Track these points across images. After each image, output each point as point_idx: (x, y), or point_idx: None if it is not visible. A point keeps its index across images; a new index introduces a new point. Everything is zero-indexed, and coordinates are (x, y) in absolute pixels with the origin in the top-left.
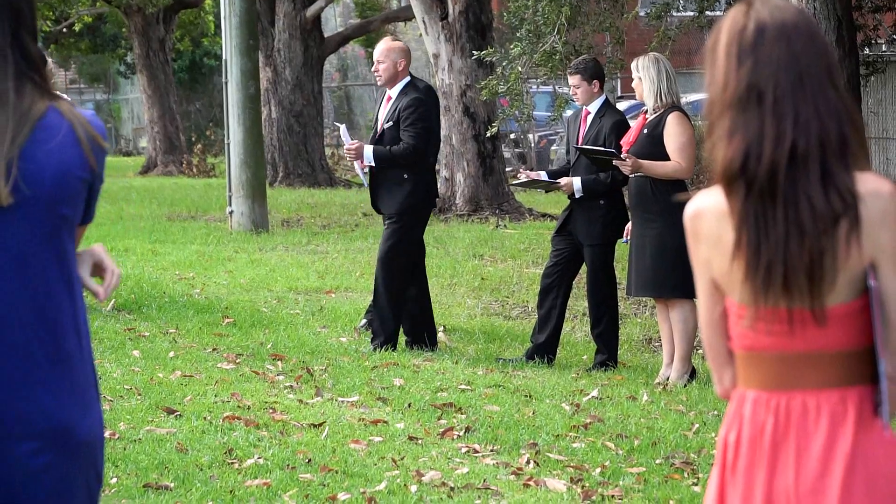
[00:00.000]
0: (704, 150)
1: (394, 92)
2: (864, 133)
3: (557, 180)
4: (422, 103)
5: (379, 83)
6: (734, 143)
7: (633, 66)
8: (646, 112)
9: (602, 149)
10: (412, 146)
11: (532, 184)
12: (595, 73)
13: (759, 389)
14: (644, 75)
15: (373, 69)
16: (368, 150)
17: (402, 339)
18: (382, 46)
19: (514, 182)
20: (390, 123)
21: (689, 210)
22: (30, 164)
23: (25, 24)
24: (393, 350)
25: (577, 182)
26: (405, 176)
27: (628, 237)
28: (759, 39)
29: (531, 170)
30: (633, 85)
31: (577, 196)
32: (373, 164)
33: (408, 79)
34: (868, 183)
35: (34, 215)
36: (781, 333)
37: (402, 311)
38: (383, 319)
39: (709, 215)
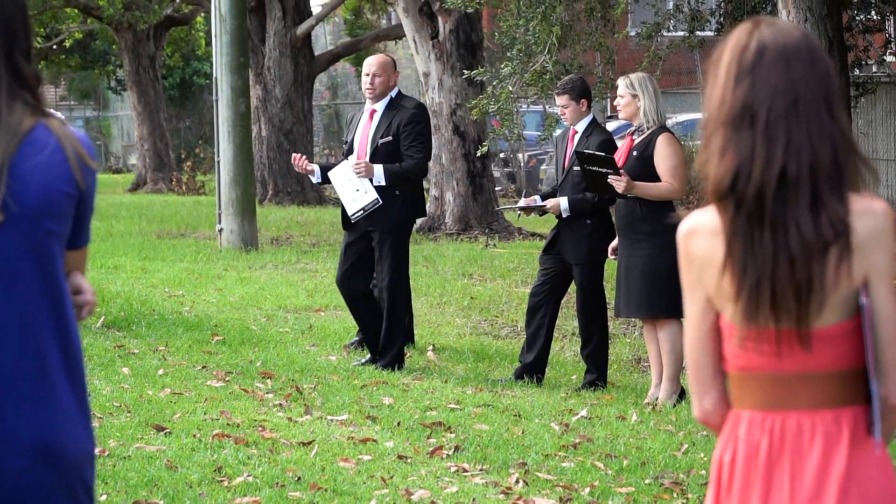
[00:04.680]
0: (697, 162)
1: (379, 106)
2: (864, 158)
3: (544, 203)
4: (422, 118)
5: (370, 96)
6: (725, 161)
7: (624, 83)
8: (632, 133)
9: (601, 154)
10: (422, 160)
11: (521, 209)
12: (582, 92)
13: (753, 410)
14: (642, 92)
15: (367, 82)
16: (379, 169)
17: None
18: (378, 60)
19: (503, 207)
20: (389, 139)
21: (683, 228)
22: (16, 178)
23: (19, 44)
24: (399, 368)
25: (563, 202)
26: (397, 193)
27: (615, 255)
28: (758, 61)
29: (520, 191)
30: (621, 103)
31: (564, 216)
32: (383, 182)
33: (395, 92)
34: (861, 202)
35: (20, 229)
36: (771, 354)
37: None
38: (394, 337)
39: (703, 232)
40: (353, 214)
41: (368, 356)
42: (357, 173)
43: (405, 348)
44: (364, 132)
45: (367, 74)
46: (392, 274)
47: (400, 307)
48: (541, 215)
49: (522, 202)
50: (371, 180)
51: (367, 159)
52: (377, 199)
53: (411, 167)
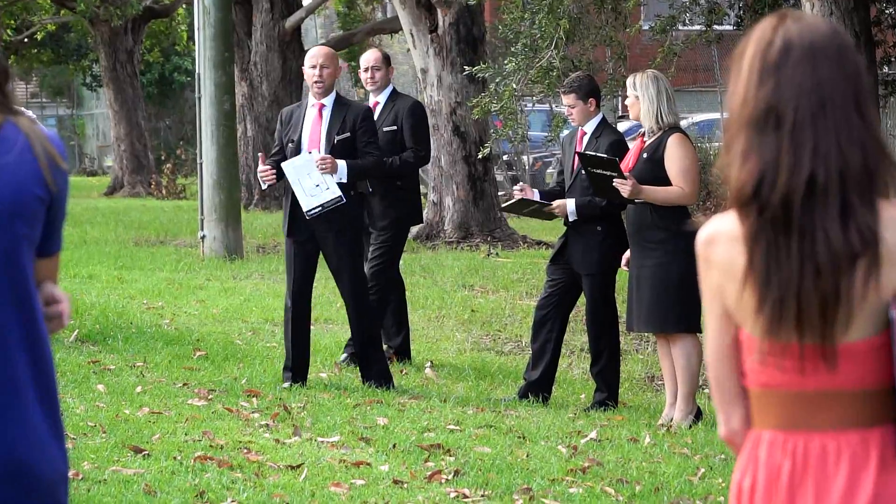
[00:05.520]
0: (718, 167)
1: (381, 99)
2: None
3: (550, 203)
4: (423, 108)
5: (371, 89)
6: (748, 165)
7: (629, 83)
8: (643, 134)
9: (604, 155)
10: (425, 151)
11: (523, 206)
12: (590, 90)
13: (774, 430)
14: (643, 94)
15: (367, 76)
16: (342, 166)
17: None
18: (376, 54)
19: (503, 205)
20: (394, 127)
21: (702, 235)
22: None
23: None
24: (389, 386)
25: (570, 204)
26: (398, 183)
27: (627, 265)
28: (783, 59)
29: (516, 180)
30: (629, 104)
31: (570, 219)
32: (344, 180)
33: (392, 86)
34: (892, 210)
35: None
36: (794, 370)
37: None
38: (378, 348)
39: (722, 240)
40: (309, 211)
41: (349, 350)
42: (321, 169)
43: (402, 365)
44: (378, 126)
45: (368, 69)
46: (353, 278)
47: (373, 313)
48: (548, 219)
49: (518, 192)
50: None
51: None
52: (341, 196)
53: (414, 157)
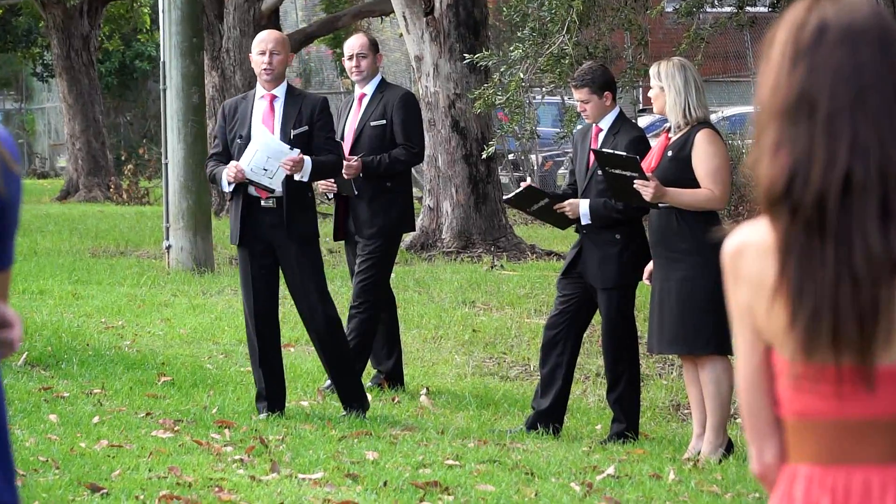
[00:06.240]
0: (747, 164)
1: (368, 90)
2: None
3: (561, 203)
4: (415, 99)
5: (356, 79)
6: (779, 159)
7: (652, 72)
8: (668, 130)
9: (623, 153)
10: (418, 148)
11: (529, 199)
12: (605, 82)
13: (812, 464)
14: (668, 85)
15: (353, 65)
16: (307, 165)
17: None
18: (361, 40)
19: (506, 197)
20: (383, 122)
21: (729, 246)
22: None
23: None
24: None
25: (583, 205)
26: (388, 184)
27: (649, 279)
28: (817, 41)
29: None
30: (652, 95)
31: (583, 222)
32: (304, 179)
33: (381, 76)
34: None
35: None
36: (832, 396)
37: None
38: (354, 371)
39: (752, 252)
40: (250, 181)
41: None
42: (287, 168)
43: (394, 393)
44: (355, 119)
45: (353, 56)
46: (320, 296)
47: (343, 337)
48: (559, 225)
49: (529, 182)
50: (293, 176)
51: (351, 150)
52: (273, 191)
53: (405, 153)
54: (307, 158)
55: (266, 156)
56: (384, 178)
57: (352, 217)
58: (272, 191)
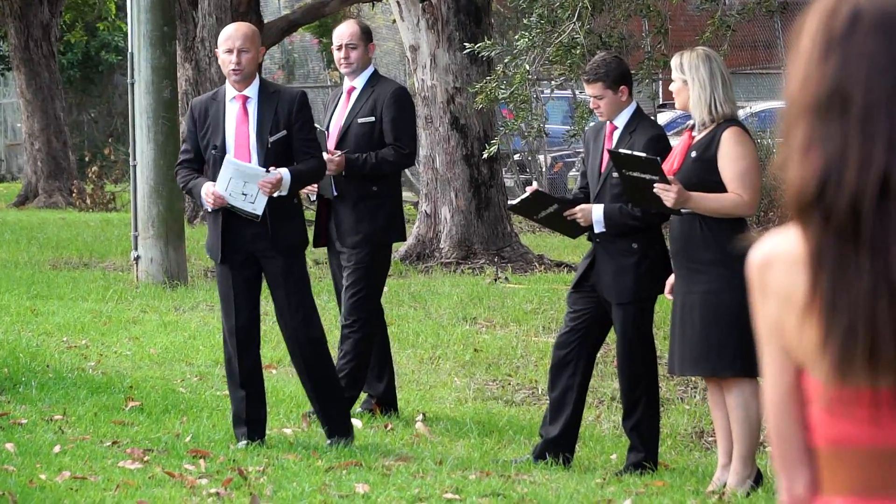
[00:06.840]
0: (776, 166)
1: (358, 83)
2: None
3: (571, 209)
4: (407, 95)
5: (346, 71)
6: (810, 160)
7: (674, 63)
8: (692, 128)
9: (642, 154)
10: (409, 149)
11: (536, 206)
12: (620, 76)
13: (847, 497)
14: (692, 78)
15: (342, 56)
16: (287, 179)
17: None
18: (352, 29)
19: (510, 203)
20: (371, 119)
21: (755, 257)
22: None
23: None
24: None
25: (596, 210)
26: (374, 188)
27: (670, 293)
28: (850, 29)
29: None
30: (673, 90)
31: (596, 231)
32: (284, 193)
33: (372, 68)
34: None
35: None
36: (868, 422)
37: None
38: (342, 397)
39: (780, 263)
40: (232, 206)
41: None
42: (266, 190)
43: (387, 419)
44: (342, 114)
45: (342, 46)
46: (307, 314)
47: (327, 353)
48: (569, 234)
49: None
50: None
51: (337, 146)
52: (258, 217)
53: (394, 154)
54: (285, 172)
55: (242, 181)
56: (369, 180)
57: (334, 223)
58: (257, 217)
